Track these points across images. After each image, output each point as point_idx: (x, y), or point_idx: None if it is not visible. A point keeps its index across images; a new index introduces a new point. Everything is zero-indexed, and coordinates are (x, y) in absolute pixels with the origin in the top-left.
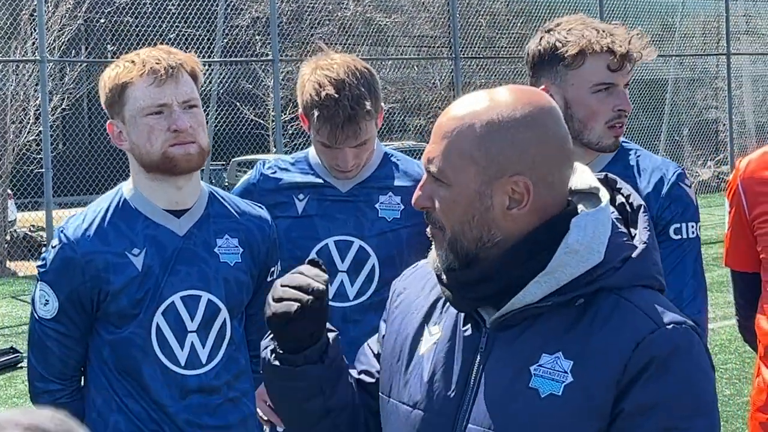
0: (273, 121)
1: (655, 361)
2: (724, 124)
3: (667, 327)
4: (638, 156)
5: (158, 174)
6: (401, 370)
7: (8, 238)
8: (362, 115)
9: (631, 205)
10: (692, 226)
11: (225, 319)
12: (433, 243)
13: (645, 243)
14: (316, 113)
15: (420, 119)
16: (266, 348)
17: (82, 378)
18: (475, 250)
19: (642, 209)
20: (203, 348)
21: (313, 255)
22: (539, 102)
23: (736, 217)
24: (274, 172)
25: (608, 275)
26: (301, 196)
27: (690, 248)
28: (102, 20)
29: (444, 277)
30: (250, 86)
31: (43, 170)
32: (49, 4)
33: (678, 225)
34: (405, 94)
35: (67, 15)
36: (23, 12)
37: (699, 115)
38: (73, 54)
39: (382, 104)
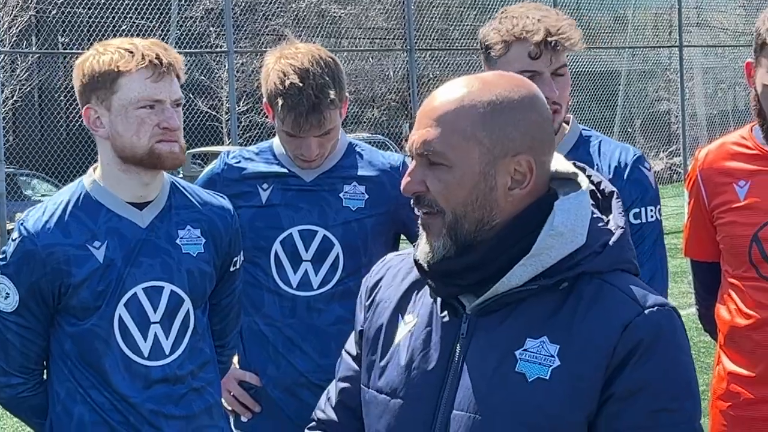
0: (227, 113)
1: (643, 344)
2: (676, 116)
3: (652, 310)
4: (599, 141)
5: (135, 166)
6: (377, 360)
7: None
8: (326, 104)
9: (602, 192)
10: (651, 210)
11: (188, 309)
12: (424, 234)
13: (622, 228)
14: (280, 102)
15: (374, 111)
16: None
17: (45, 371)
18: (474, 233)
19: (615, 195)
20: (167, 339)
21: (276, 245)
22: (529, 86)
23: (695, 208)
24: (238, 162)
25: (590, 259)
26: (265, 186)
27: (649, 231)
28: (53, 12)
29: (432, 267)
30: (204, 78)
31: None
32: None
33: (637, 209)
34: (359, 86)
35: (18, 6)
36: None
37: (651, 106)
38: (24, 45)
39: (347, 94)
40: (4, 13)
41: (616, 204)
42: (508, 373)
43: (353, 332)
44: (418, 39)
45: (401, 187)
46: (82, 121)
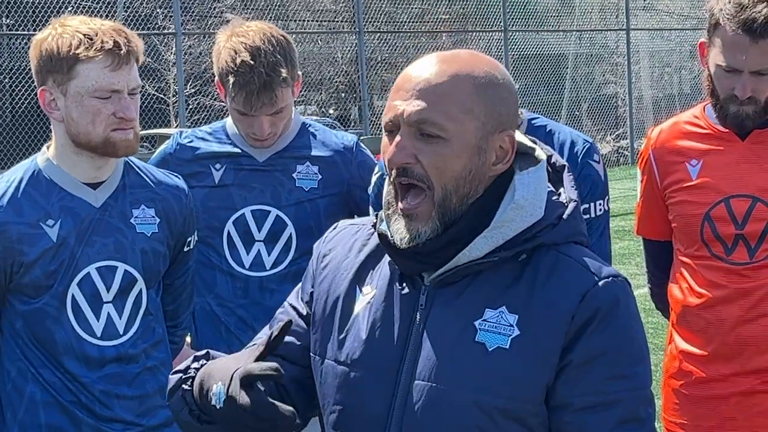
0: (174, 95)
1: (600, 313)
2: (623, 99)
3: (607, 280)
4: (548, 132)
5: (89, 152)
6: (335, 331)
7: None
8: (278, 82)
9: (553, 165)
10: (600, 204)
11: (141, 289)
12: (404, 218)
13: (575, 201)
14: (231, 80)
15: (321, 94)
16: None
17: None
18: (460, 207)
19: (566, 169)
20: (120, 318)
21: (229, 225)
22: (501, 67)
23: (648, 186)
24: (191, 142)
25: (547, 231)
26: (218, 166)
27: (596, 226)
28: None
29: (413, 249)
30: (151, 60)
31: None
32: None
33: (586, 205)
34: (307, 69)
35: None
36: None
37: (598, 90)
38: None
39: (299, 73)
40: None
41: (567, 177)
42: (468, 343)
43: (299, 290)
44: (366, 21)
45: (387, 158)
46: (27, 104)
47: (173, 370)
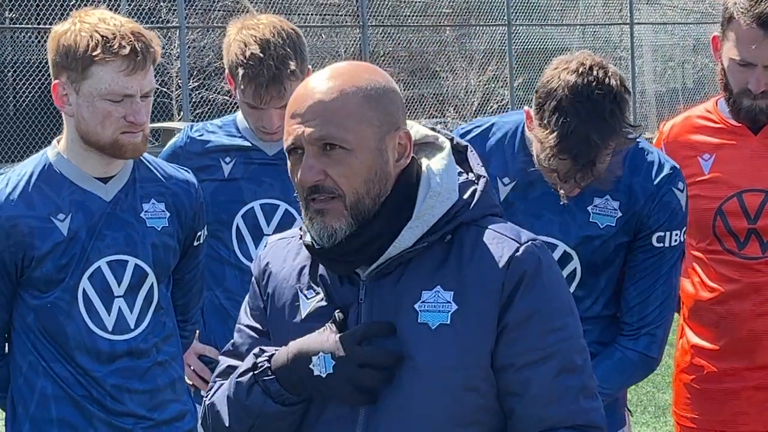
0: (178, 89)
1: (527, 275)
2: None
3: (527, 244)
4: (639, 148)
5: (97, 150)
6: (288, 336)
7: None
8: (287, 76)
9: (455, 147)
10: (677, 234)
11: (152, 283)
12: (317, 218)
13: (484, 176)
14: (240, 72)
15: None
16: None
17: (7, 345)
18: (374, 207)
19: (469, 149)
20: (131, 313)
21: (238, 219)
22: (380, 70)
23: None
24: (201, 135)
25: (464, 210)
26: (227, 159)
27: (670, 256)
28: None
29: (333, 249)
30: None
31: None
32: None
33: (662, 233)
34: (310, 63)
35: None
36: None
37: None
38: None
39: (309, 66)
40: None
41: (471, 156)
42: (412, 326)
43: (247, 309)
44: (370, 15)
45: (298, 178)
46: (30, 99)
47: (233, 376)
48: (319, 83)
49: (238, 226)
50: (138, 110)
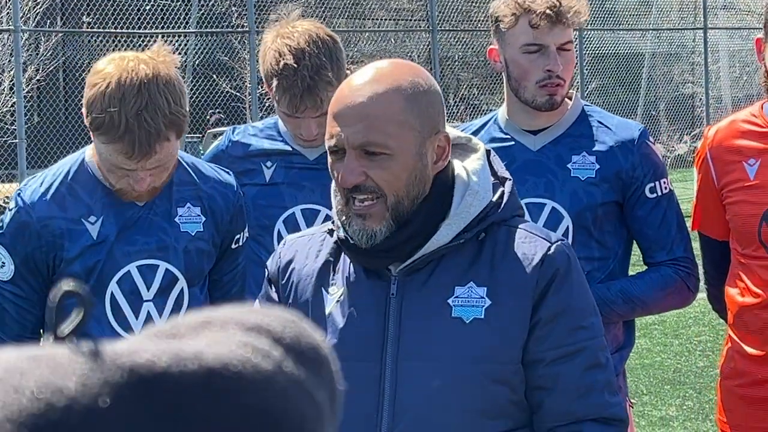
0: (249, 93)
1: (559, 273)
2: (701, 99)
3: (557, 243)
4: (600, 116)
5: None
6: None
7: None
8: (322, 86)
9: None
10: (664, 182)
11: (183, 288)
12: (359, 219)
13: (509, 178)
14: (275, 82)
15: None
16: None
17: (41, 341)
18: (412, 207)
19: (491, 153)
20: (160, 317)
21: (279, 224)
22: (423, 71)
23: (703, 184)
24: (243, 138)
25: (494, 211)
26: (269, 164)
27: (668, 202)
28: None
29: (374, 248)
30: (226, 58)
31: (17, 141)
32: None
33: (652, 184)
34: None
35: None
36: None
37: (676, 89)
38: (48, 24)
39: (347, 72)
40: None
41: (495, 159)
42: (446, 320)
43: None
44: (440, 20)
45: (339, 180)
46: None
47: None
48: (362, 86)
49: (279, 231)
50: (143, 178)
